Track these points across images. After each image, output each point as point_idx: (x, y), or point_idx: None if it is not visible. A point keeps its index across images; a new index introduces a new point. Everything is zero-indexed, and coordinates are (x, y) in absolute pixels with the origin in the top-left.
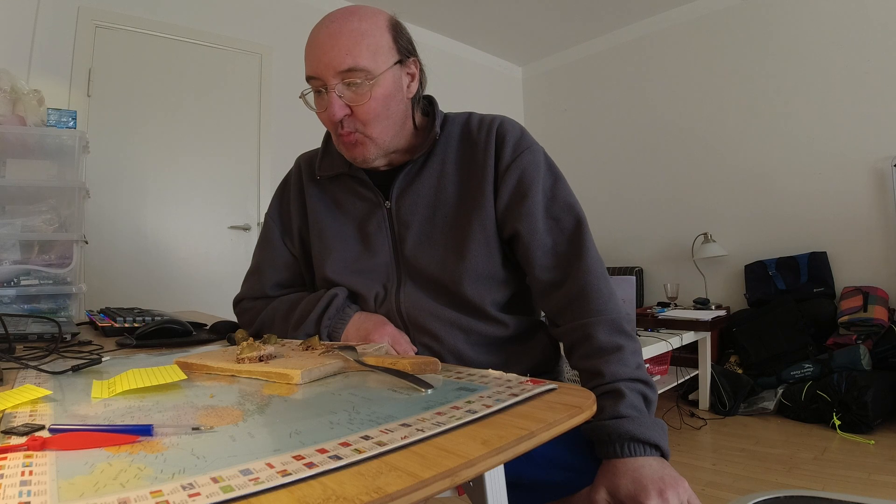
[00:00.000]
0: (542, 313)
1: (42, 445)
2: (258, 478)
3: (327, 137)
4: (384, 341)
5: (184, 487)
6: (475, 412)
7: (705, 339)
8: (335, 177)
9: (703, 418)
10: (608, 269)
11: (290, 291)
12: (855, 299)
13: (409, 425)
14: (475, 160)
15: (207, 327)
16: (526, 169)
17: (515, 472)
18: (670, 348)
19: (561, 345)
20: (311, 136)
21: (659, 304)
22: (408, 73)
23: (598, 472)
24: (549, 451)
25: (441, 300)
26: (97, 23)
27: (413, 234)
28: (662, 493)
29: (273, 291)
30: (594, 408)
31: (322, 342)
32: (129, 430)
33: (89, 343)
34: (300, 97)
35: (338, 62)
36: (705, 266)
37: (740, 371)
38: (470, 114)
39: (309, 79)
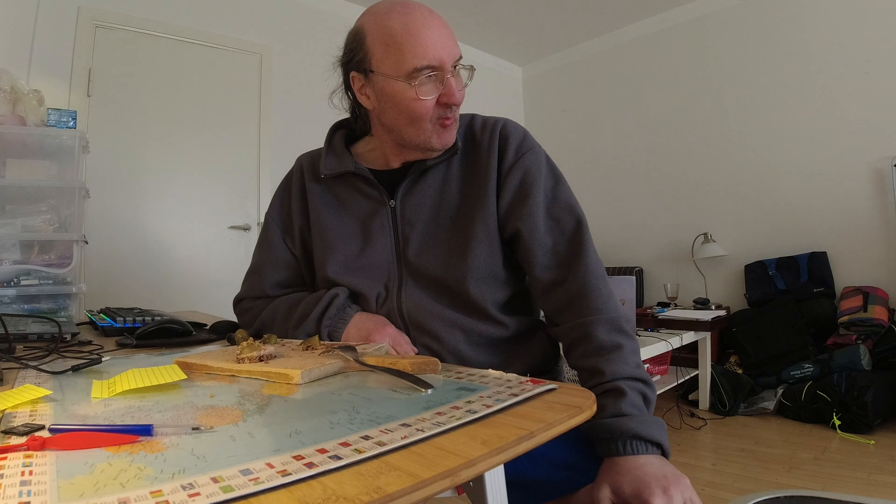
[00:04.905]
0: (542, 313)
1: (42, 445)
2: (258, 478)
3: (330, 137)
4: (384, 342)
5: (184, 487)
6: (475, 412)
7: (705, 339)
8: (339, 176)
9: (703, 418)
10: (608, 269)
11: (290, 291)
12: (855, 299)
13: (409, 425)
14: (479, 161)
15: (207, 327)
16: (528, 170)
17: (515, 472)
18: (670, 348)
19: (560, 344)
20: (311, 135)
21: (659, 304)
22: None
23: (599, 470)
24: (548, 451)
25: (443, 300)
26: (97, 23)
27: (417, 233)
28: (667, 491)
29: (273, 291)
30: (594, 408)
31: (322, 342)
32: (129, 430)
33: (89, 343)
34: (411, 85)
35: (456, 50)
36: (705, 266)
37: (740, 371)
38: (473, 115)
39: (422, 68)
